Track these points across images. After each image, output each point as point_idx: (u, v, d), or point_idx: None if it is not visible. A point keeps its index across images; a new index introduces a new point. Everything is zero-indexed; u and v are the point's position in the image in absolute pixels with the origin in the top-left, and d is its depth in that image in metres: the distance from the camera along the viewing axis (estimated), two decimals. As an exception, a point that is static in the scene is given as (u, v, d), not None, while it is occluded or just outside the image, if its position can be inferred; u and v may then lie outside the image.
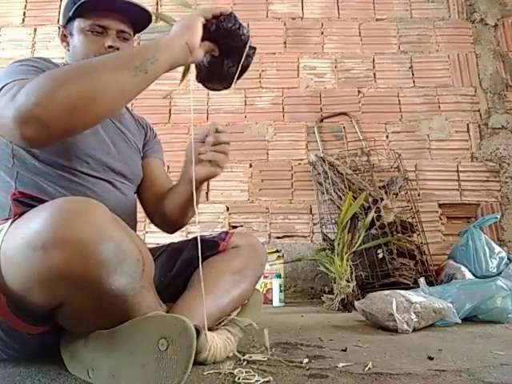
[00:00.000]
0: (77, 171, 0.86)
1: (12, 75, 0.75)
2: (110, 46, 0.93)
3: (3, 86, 0.71)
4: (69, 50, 0.98)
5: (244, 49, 0.81)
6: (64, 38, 0.99)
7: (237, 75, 0.84)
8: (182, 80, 0.97)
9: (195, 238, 1.08)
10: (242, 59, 0.82)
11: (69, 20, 0.95)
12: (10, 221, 0.66)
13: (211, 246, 1.02)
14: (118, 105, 0.72)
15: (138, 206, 1.06)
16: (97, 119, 0.72)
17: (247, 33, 0.81)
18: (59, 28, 1.00)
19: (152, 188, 1.07)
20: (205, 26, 0.78)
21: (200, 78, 0.86)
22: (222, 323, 0.86)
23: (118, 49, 0.94)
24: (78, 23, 0.94)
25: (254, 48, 0.85)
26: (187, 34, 0.75)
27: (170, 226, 1.07)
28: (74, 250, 0.57)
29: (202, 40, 0.78)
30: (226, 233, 1.07)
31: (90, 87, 0.65)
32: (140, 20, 0.99)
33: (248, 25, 2.44)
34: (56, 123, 0.64)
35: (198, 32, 0.76)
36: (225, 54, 0.82)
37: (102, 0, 0.91)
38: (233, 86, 0.87)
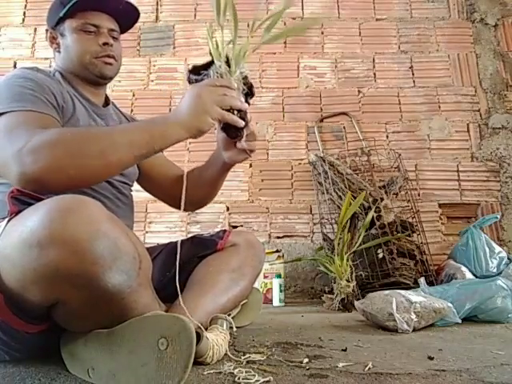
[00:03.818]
0: None
1: (10, 98, 0.78)
2: (105, 43, 0.96)
3: (4, 112, 0.75)
4: (59, 52, 0.99)
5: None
6: (53, 40, 1.00)
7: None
8: None
9: (193, 237, 1.09)
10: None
11: (58, 22, 0.97)
12: (6, 219, 0.66)
13: (209, 245, 1.02)
14: (111, 175, 0.81)
15: (136, 205, 1.07)
16: (91, 184, 0.83)
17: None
18: (47, 31, 1.01)
19: (168, 179, 1.11)
20: None
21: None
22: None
23: (112, 46, 0.97)
24: (69, 23, 0.96)
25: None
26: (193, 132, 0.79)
27: (195, 206, 1.13)
28: (70, 248, 0.57)
29: None
30: (224, 231, 1.07)
31: (96, 166, 0.72)
32: (127, 19, 1.02)
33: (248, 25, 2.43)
34: (56, 187, 0.71)
35: (204, 132, 0.81)
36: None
37: (91, 0, 0.93)
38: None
